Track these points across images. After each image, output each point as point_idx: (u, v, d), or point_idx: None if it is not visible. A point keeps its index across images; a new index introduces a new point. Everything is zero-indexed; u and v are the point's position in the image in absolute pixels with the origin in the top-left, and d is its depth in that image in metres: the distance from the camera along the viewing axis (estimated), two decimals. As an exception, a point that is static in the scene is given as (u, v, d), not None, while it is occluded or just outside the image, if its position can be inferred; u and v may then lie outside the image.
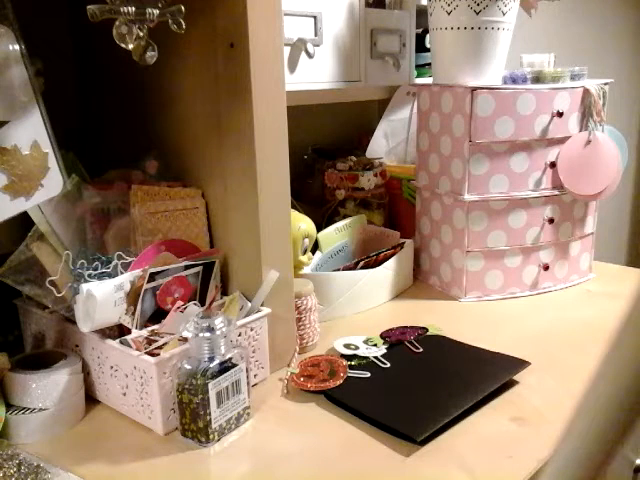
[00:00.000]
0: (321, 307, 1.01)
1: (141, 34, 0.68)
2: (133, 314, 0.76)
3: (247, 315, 0.83)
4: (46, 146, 0.71)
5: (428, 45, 1.26)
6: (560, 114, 1.07)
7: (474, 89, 1.04)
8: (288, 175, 0.86)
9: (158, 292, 0.78)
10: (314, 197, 1.30)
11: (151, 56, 0.70)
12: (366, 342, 0.92)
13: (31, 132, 0.70)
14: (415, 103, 1.23)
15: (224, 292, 0.89)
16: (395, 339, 0.93)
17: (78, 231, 0.85)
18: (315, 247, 1.10)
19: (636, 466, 0.83)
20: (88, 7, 0.64)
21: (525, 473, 0.65)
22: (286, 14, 0.97)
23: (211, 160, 0.87)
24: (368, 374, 0.84)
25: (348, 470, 0.67)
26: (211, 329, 0.70)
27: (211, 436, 0.70)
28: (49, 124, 0.71)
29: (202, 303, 0.82)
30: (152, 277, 0.77)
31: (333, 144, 1.46)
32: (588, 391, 0.29)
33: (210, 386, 0.69)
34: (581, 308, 1.09)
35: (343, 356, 0.88)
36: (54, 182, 0.73)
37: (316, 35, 1.07)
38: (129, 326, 0.76)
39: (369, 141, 1.42)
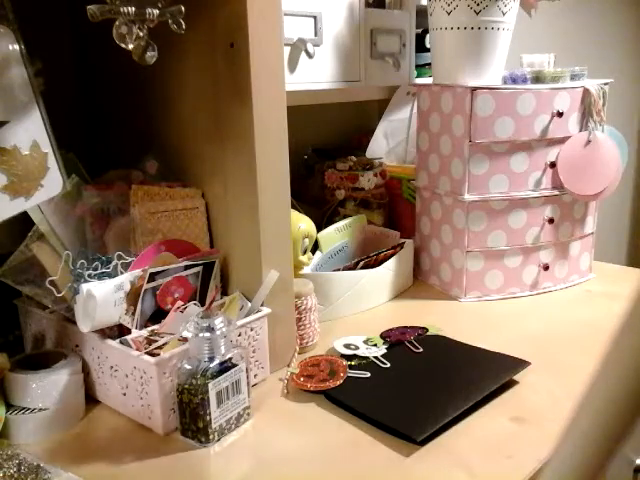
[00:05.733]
0: (321, 307, 1.01)
1: (141, 34, 0.68)
2: (133, 314, 0.76)
3: (247, 315, 0.83)
4: (46, 146, 0.71)
5: (428, 45, 1.26)
6: (560, 114, 1.07)
7: (474, 89, 1.04)
8: (288, 175, 0.86)
9: (158, 292, 0.78)
10: (314, 197, 1.30)
11: (151, 56, 0.70)
12: (366, 342, 0.92)
13: (31, 132, 0.70)
14: (415, 103, 1.23)
15: (224, 292, 0.89)
16: (395, 339, 0.93)
17: (78, 231, 0.85)
18: (315, 247, 1.10)
19: (636, 466, 0.83)
20: (88, 7, 0.64)
21: (525, 473, 0.65)
22: (286, 14, 0.97)
23: (211, 160, 0.87)
24: (368, 374, 0.83)
25: (348, 470, 0.67)
26: (211, 329, 0.70)
27: (211, 436, 0.70)
28: (49, 124, 0.71)
29: (202, 303, 0.82)
30: (152, 277, 0.77)
31: (333, 144, 1.46)
32: (588, 391, 0.29)
33: (210, 386, 0.69)
34: (581, 308, 1.09)
35: (343, 356, 0.88)
36: (54, 182, 0.73)
37: (316, 35, 1.07)
38: (129, 326, 0.76)
39: (369, 141, 1.42)
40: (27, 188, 0.70)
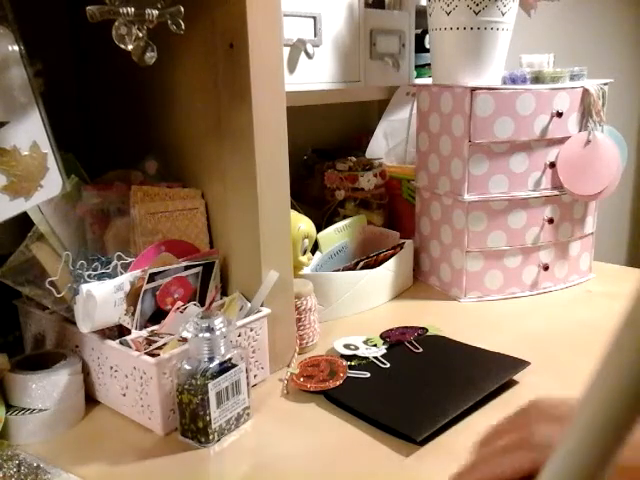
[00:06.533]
0: (321, 307, 1.01)
1: (140, 35, 0.68)
2: (133, 314, 0.76)
3: (247, 315, 0.83)
4: (45, 147, 0.71)
5: (428, 45, 1.26)
6: (560, 114, 1.07)
7: (474, 89, 1.04)
8: (288, 175, 0.86)
9: (158, 293, 0.78)
10: (314, 198, 1.30)
11: (150, 57, 0.70)
12: (366, 342, 0.92)
13: (30, 133, 0.70)
14: (415, 103, 1.23)
15: (224, 292, 0.89)
16: (395, 339, 0.93)
17: (78, 232, 0.85)
18: (315, 247, 1.10)
19: (636, 466, 0.83)
20: (87, 8, 0.64)
21: (525, 473, 0.65)
22: (286, 14, 0.97)
23: (211, 160, 0.87)
24: (368, 374, 0.83)
25: (348, 470, 0.67)
26: (211, 329, 0.70)
27: (211, 436, 0.70)
28: (48, 125, 0.71)
29: (202, 303, 0.82)
30: (152, 277, 0.77)
31: (333, 144, 1.46)
32: (588, 391, 0.29)
33: (210, 386, 0.69)
34: (581, 308, 1.09)
35: (343, 356, 0.88)
36: (53, 183, 0.73)
37: (315, 36, 1.07)
38: (129, 326, 0.76)
39: (369, 141, 1.42)
40: (27, 188, 0.70)
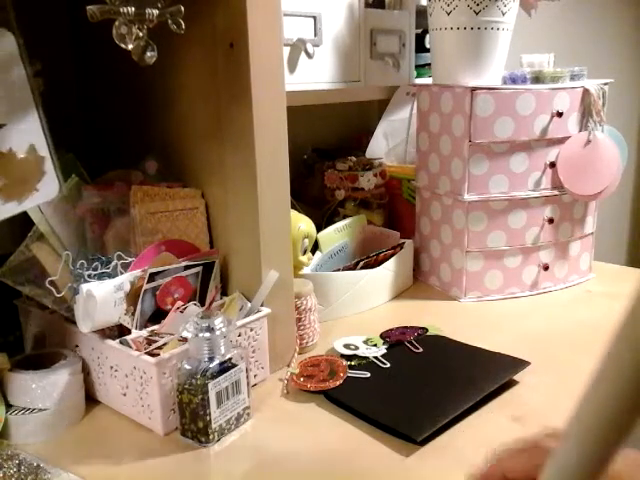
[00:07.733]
0: (321, 307, 1.01)
1: (140, 34, 0.68)
2: (133, 314, 0.76)
3: (247, 315, 0.83)
4: (43, 150, 0.70)
5: (428, 45, 1.26)
6: (560, 114, 1.07)
7: (474, 89, 1.04)
8: (288, 175, 0.86)
9: (158, 292, 0.78)
10: (314, 197, 1.30)
11: (151, 56, 0.70)
12: (366, 342, 0.92)
13: (28, 135, 0.69)
14: (415, 103, 1.23)
15: (224, 292, 0.89)
16: (395, 339, 0.93)
17: (78, 231, 0.85)
18: (315, 247, 1.10)
19: (636, 466, 0.83)
20: (88, 7, 0.64)
21: (525, 473, 0.65)
22: (286, 14, 0.97)
23: (211, 160, 0.87)
24: (368, 374, 0.83)
25: (348, 470, 0.67)
26: (211, 329, 0.70)
27: (211, 436, 0.70)
28: (47, 127, 0.71)
29: (202, 303, 0.82)
30: (152, 277, 0.77)
31: (333, 144, 1.46)
32: (588, 391, 0.29)
33: (210, 386, 0.69)
34: (581, 308, 1.09)
35: (343, 356, 0.88)
36: (49, 187, 0.72)
37: (316, 35, 1.07)
38: (129, 326, 0.76)
39: (369, 141, 1.42)
40: (22, 192, 0.69)
